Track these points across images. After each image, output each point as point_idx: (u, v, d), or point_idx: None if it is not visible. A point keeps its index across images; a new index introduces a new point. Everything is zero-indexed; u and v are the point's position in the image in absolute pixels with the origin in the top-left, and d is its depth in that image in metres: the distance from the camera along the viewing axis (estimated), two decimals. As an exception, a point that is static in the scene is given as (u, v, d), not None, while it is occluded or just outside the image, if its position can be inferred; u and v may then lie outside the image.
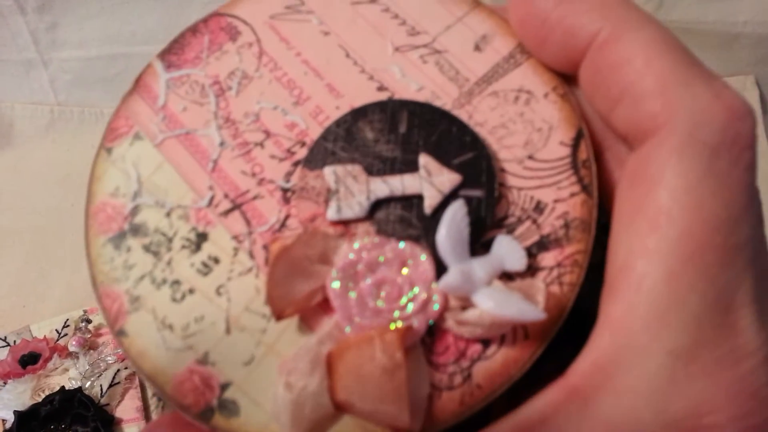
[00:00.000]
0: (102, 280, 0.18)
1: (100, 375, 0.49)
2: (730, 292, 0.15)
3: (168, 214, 0.18)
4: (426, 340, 0.17)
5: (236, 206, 0.18)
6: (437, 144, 0.18)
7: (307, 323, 0.17)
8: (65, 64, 0.68)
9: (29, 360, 0.50)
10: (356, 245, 0.17)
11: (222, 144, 0.19)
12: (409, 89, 0.19)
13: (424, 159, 0.18)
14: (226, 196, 0.18)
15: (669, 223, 0.15)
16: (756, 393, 0.15)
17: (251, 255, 0.18)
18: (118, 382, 0.49)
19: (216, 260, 0.18)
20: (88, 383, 0.49)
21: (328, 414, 0.16)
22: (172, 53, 0.20)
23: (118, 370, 0.50)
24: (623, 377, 0.15)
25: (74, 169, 0.68)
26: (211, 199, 0.18)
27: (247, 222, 0.18)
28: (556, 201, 0.18)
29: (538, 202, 0.18)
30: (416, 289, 0.17)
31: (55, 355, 0.50)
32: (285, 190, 0.18)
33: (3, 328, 0.54)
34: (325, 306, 0.17)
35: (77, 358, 0.50)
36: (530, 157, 0.18)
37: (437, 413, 0.16)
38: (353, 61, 0.19)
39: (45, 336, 0.52)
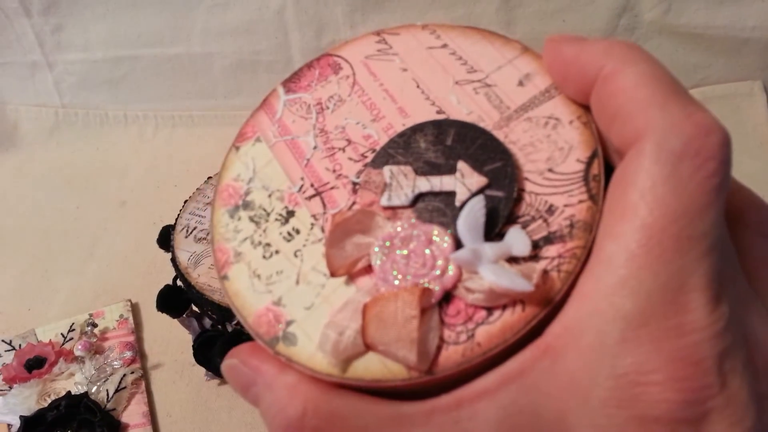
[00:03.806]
0: (218, 239, 0.24)
1: (107, 380, 0.48)
2: (682, 275, 0.17)
3: (270, 196, 0.24)
4: (443, 305, 0.21)
5: (318, 193, 0.24)
6: (474, 154, 0.22)
7: (354, 282, 0.22)
8: (70, 67, 0.67)
9: (35, 364, 0.49)
10: (397, 224, 0.22)
11: (315, 148, 0.24)
12: (461, 113, 0.24)
13: (460, 164, 0.22)
14: (312, 185, 0.24)
15: (634, 214, 0.18)
16: (698, 362, 0.17)
17: (323, 230, 0.23)
18: (125, 387, 0.49)
19: (297, 231, 0.23)
20: (95, 388, 0.48)
21: (360, 350, 0.20)
22: (291, 82, 0.26)
23: (125, 375, 0.49)
24: (585, 337, 0.18)
25: (79, 171, 0.68)
26: (301, 186, 0.24)
27: (324, 205, 0.23)
28: (565, 206, 0.21)
29: (551, 206, 0.21)
30: (438, 262, 0.21)
31: (61, 359, 0.49)
32: (354, 184, 0.23)
33: (8, 332, 0.54)
34: (368, 270, 0.22)
35: (83, 362, 0.49)
36: (550, 170, 0.22)
37: (442, 360, 0.20)
38: (421, 90, 0.24)
39: (50, 340, 0.51)
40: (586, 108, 0.22)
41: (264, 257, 0.23)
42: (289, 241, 0.23)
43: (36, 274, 0.59)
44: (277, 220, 0.23)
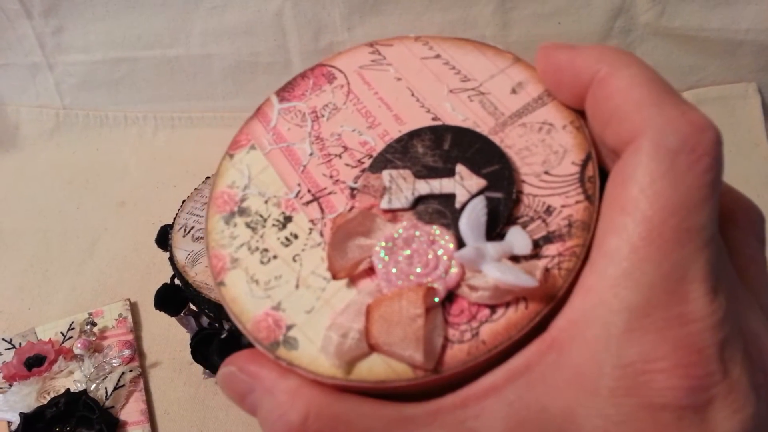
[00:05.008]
0: (213, 246, 0.23)
1: (105, 377, 0.49)
2: (683, 266, 0.18)
3: (266, 202, 0.24)
4: (446, 305, 0.21)
5: (315, 198, 0.24)
6: (472, 158, 0.23)
7: (355, 285, 0.22)
8: (71, 68, 0.68)
9: (34, 362, 0.49)
10: (398, 226, 0.22)
11: (311, 154, 0.24)
12: (456, 119, 0.24)
13: (459, 167, 0.22)
14: (309, 191, 0.24)
15: (635, 208, 0.18)
16: (701, 350, 0.17)
17: (321, 234, 0.23)
18: (123, 385, 0.49)
19: (296, 236, 0.23)
20: (93, 386, 0.48)
21: (363, 352, 0.20)
22: (285, 91, 0.26)
23: (123, 373, 0.49)
24: (590, 329, 0.18)
25: (79, 172, 0.68)
26: (298, 192, 0.24)
27: (322, 210, 0.23)
28: (563, 206, 0.21)
29: (549, 206, 0.22)
30: (440, 262, 0.21)
31: (61, 357, 0.49)
32: (352, 189, 0.23)
33: (8, 331, 0.54)
34: (370, 272, 0.22)
35: (82, 360, 0.50)
36: (546, 173, 0.22)
37: (448, 359, 0.20)
38: (416, 98, 0.25)
39: (50, 338, 0.51)
40: (578, 113, 0.23)
41: (262, 262, 0.23)
42: (287, 246, 0.23)
43: (36, 274, 0.60)
44: (274, 225, 0.23)
